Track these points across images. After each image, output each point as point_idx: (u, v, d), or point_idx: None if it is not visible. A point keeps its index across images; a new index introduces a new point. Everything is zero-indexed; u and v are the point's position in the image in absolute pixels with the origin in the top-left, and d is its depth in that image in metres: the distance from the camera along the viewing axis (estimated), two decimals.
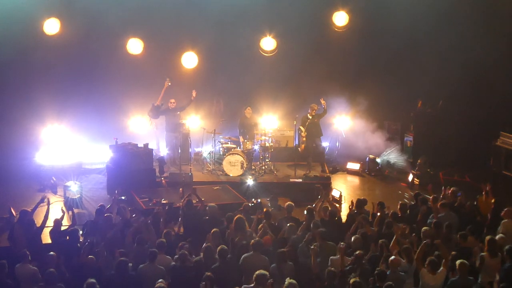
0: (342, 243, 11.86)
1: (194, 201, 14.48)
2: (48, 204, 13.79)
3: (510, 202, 15.01)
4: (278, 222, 13.66)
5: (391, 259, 11.12)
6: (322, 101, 19.48)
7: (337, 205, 16.81)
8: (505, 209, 13.63)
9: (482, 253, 11.60)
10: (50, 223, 13.54)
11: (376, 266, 11.26)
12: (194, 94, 20.10)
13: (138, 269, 11.30)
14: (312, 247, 11.82)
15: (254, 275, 10.26)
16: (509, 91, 20.71)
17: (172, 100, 20.28)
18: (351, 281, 10.24)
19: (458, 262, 10.85)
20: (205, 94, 21.44)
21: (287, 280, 10.11)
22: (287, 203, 14.33)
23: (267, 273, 10.33)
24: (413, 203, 15.34)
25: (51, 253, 11.45)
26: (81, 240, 13.05)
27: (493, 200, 14.70)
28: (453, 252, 11.49)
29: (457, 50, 20.98)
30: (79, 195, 17.16)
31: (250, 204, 14.87)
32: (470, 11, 20.60)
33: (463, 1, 20.84)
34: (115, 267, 11.11)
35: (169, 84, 20.17)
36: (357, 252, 11.42)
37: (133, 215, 14.13)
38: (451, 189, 15.69)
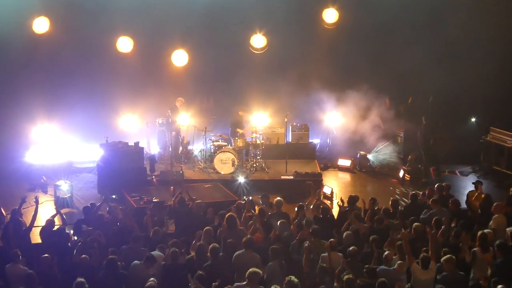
0: (331, 239, 11.91)
1: (186, 199, 14.48)
2: (37, 203, 13.68)
3: (500, 197, 15.11)
4: (267, 218, 13.66)
5: (445, 258, 11.11)
6: None
7: (329, 202, 16.83)
8: (495, 204, 13.68)
9: (474, 249, 11.63)
10: (41, 222, 13.50)
11: (368, 263, 11.27)
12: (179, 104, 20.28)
13: (130, 266, 11.28)
14: (306, 244, 11.85)
15: (247, 273, 10.26)
16: (498, 87, 20.81)
17: (181, 99, 20.37)
18: (345, 278, 10.26)
19: (445, 257, 10.91)
20: (196, 92, 21.40)
21: (287, 278, 10.12)
22: (276, 199, 14.36)
23: (259, 271, 10.33)
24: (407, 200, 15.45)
25: (46, 255, 11.39)
26: (72, 239, 13.06)
27: (483, 196, 14.76)
28: (444, 249, 11.52)
29: (446, 46, 21.07)
30: (69, 194, 17.18)
31: (242, 202, 14.86)
32: (458, 8, 20.63)
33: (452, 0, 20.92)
34: (104, 265, 11.06)
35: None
36: (350, 249, 11.45)
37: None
38: (444, 184, 15.79)
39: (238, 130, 20.37)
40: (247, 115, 20.86)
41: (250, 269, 10.33)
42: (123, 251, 12.03)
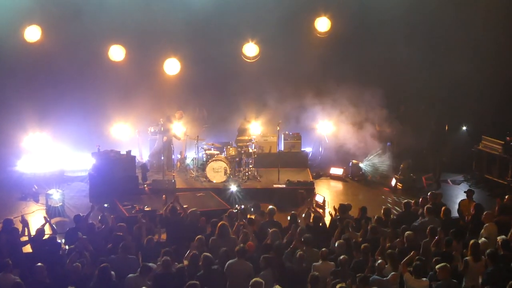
0: (323, 249, 11.90)
1: (177, 208, 14.44)
2: (24, 223, 13.57)
3: (492, 206, 15.13)
4: (260, 227, 13.65)
5: (440, 266, 11.06)
6: None
7: (321, 210, 16.82)
8: (485, 213, 13.70)
9: (466, 257, 11.63)
10: (32, 232, 13.43)
11: (360, 271, 11.25)
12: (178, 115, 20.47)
13: (127, 277, 11.19)
14: (300, 252, 11.83)
15: (251, 282, 10.23)
16: (490, 96, 20.87)
17: (181, 112, 20.55)
18: (337, 286, 10.23)
19: (439, 265, 10.89)
20: (188, 100, 21.37)
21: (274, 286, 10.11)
22: (269, 207, 14.32)
23: (262, 281, 10.30)
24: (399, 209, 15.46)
25: (39, 264, 11.32)
26: (63, 248, 13.00)
27: (473, 204, 14.79)
28: (436, 258, 11.51)
29: (438, 56, 21.16)
30: (61, 203, 17.09)
31: (234, 211, 14.83)
32: (450, 18, 20.71)
33: (443, 8, 20.96)
34: (97, 274, 10.99)
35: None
36: (341, 257, 11.43)
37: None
38: (437, 192, 15.80)
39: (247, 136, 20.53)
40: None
41: (254, 279, 10.34)
42: (112, 260, 11.95)
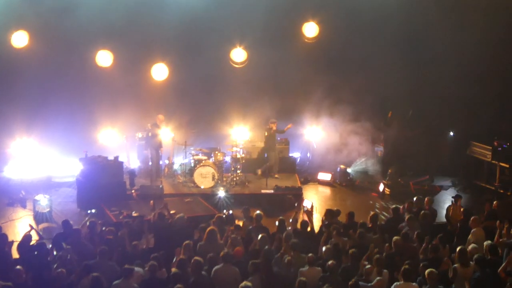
0: (310, 254, 11.88)
1: (165, 214, 14.40)
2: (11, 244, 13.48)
3: (480, 211, 15.17)
4: (247, 233, 13.63)
5: (428, 272, 11.06)
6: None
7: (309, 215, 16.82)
8: (472, 218, 13.73)
9: (455, 264, 11.63)
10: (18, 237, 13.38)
11: (348, 276, 11.24)
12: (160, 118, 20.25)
13: (112, 285, 11.12)
14: (288, 257, 11.82)
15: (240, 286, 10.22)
16: (478, 101, 20.95)
17: (160, 116, 20.25)
18: None
19: (427, 271, 10.89)
20: (176, 105, 21.32)
21: None
22: (255, 212, 14.29)
23: (250, 284, 10.30)
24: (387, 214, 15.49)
25: (18, 267, 11.26)
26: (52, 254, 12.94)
27: (462, 210, 14.84)
28: (422, 263, 11.52)
29: (426, 62, 21.23)
30: (48, 209, 16.99)
31: (223, 216, 14.80)
32: (439, 26, 20.79)
33: (431, 14, 21.04)
34: (90, 284, 10.91)
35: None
36: (329, 263, 11.42)
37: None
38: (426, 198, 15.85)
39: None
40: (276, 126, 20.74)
41: (242, 284, 10.38)
42: (92, 265, 11.85)
